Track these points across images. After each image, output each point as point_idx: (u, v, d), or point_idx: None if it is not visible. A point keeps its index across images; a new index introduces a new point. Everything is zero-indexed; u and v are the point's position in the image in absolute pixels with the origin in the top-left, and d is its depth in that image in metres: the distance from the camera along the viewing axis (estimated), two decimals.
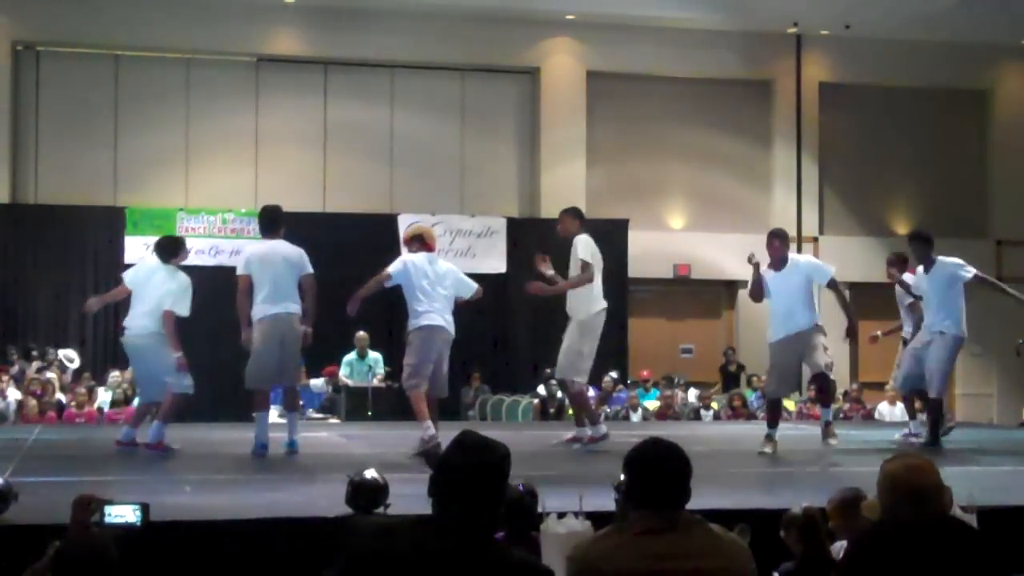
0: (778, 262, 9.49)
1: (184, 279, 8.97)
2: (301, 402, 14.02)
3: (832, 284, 9.67)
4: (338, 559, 3.20)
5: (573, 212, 9.87)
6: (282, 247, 8.98)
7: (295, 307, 8.79)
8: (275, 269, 8.79)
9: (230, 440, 10.23)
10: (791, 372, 10.06)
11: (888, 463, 3.56)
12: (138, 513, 4.05)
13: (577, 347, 9.52)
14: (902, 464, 3.54)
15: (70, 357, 15.58)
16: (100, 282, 16.77)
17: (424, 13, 17.94)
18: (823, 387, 9.78)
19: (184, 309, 8.92)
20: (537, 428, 13.09)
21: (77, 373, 15.44)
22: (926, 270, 9.86)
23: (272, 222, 9.11)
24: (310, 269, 8.87)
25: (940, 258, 9.85)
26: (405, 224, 17.43)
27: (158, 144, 17.56)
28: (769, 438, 9.37)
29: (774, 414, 9.59)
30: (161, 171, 17.61)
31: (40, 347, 15.57)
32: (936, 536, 3.27)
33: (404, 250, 9.56)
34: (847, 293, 19.90)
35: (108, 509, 4.02)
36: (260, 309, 8.79)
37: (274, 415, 14.29)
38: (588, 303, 9.56)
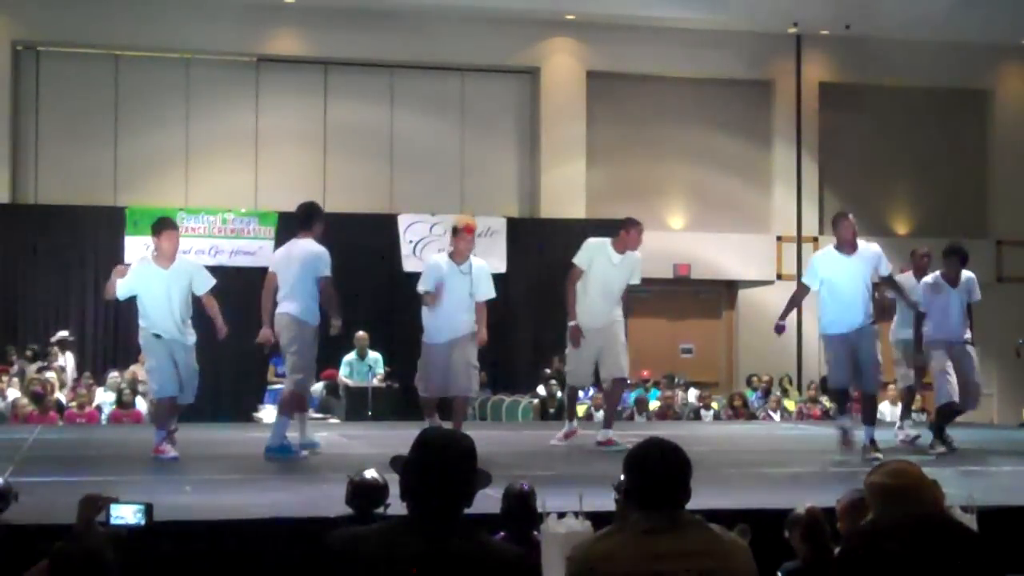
0: (849, 245, 9.02)
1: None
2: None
3: (890, 277, 9.43)
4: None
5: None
6: (300, 246, 8.91)
7: (293, 307, 8.70)
8: (290, 268, 8.78)
9: (230, 440, 10.24)
10: (851, 362, 9.15)
11: (869, 475, 3.68)
12: (141, 514, 4.05)
13: (625, 345, 9.76)
14: (883, 472, 3.66)
15: (63, 336, 15.49)
16: (100, 282, 16.75)
17: (424, 13, 17.94)
18: (873, 405, 9.31)
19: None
20: (537, 428, 13.10)
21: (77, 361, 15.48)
22: (955, 284, 9.73)
23: (302, 219, 9.08)
24: (325, 272, 8.72)
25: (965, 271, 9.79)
26: (405, 224, 17.45)
27: (158, 144, 17.56)
28: (846, 434, 9.05)
29: (843, 404, 9.32)
30: (161, 171, 17.61)
31: (40, 347, 15.58)
32: (928, 534, 3.29)
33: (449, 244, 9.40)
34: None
35: (112, 509, 4.02)
36: (278, 307, 8.84)
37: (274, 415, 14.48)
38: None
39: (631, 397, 15.96)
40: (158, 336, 8.65)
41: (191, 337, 8.83)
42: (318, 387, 15.36)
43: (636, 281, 9.84)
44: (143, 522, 4.04)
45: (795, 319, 19.10)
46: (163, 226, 8.79)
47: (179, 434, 9.00)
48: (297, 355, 8.73)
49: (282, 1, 17.74)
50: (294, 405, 8.91)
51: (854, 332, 8.98)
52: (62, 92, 17.49)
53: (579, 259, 9.69)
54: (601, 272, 9.61)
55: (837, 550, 4.48)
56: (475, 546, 3.13)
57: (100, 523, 3.98)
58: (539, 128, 18.72)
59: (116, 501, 4.07)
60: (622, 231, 9.71)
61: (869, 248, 9.14)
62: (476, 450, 3.27)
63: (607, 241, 9.69)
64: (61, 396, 14.15)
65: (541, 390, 15.87)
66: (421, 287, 9.07)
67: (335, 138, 18.19)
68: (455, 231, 9.22)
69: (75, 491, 4.38)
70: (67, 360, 15.41)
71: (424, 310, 9.09)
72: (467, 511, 3.22)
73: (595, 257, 9.62)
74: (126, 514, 4.03)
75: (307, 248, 8.81)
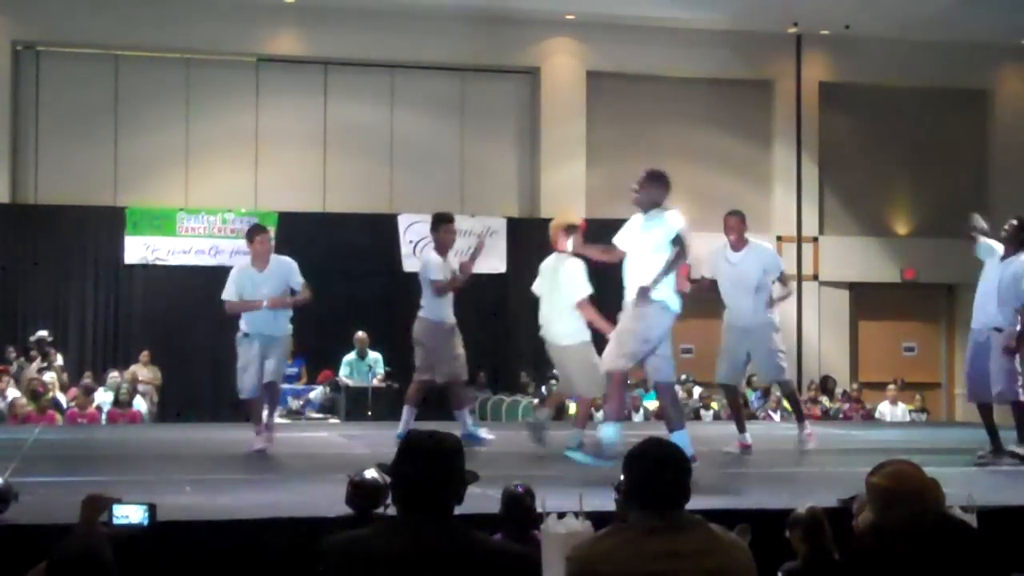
0: (737, 244, 9.61)
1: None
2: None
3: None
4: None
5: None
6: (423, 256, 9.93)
7: (423, 311, 9.55)
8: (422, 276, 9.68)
9: (230, 440, 10.23)
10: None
11: (870, 475, 3.65)
12: (144, 514, 4.04)
13: None
14: (884, 473, 3.64)
15: (41, 336, 15.45)
16: (100, 282, 16.81)
17: (424, 13, 17.94)
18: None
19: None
20: None
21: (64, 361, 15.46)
22: (1006, 256, 8.99)
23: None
24: (432, 275, 9.43)
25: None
26: (405, 224, 17.43)
27: (158, 144, 17.56)
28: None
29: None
30: (161, 171, 17.61)
31: (40, 347, 15.57)
32: (932, 535, 3.29)
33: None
34: (847, 292, 19.86)
35: (115, 509, 4.02)
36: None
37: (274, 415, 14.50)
38: None
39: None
40: (247, 335, 9.19)
41: (284, 329, 9.37)
42: (316, 390, 15.44)
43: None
44: (147, 522, 4.04)
45: (795, 319, 19.14)
46: (256, 232, 9.53)
47: (179, 434, 9.04)
48: (423, 354, 9.55)
49: (282, 1, 17.75)
50: (416, 398, 9.64)
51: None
52: (62, 92, 17.49)
53: None
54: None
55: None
56: (469, 544, 3.13)
57: (103, 523, 3.98)
58: (539, 128, 18.72)
59: (119, 501, 4.06)
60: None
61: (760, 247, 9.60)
62: (463, 449, 3.30)
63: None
64: (61, 396, 14.15)
65: (542, 390, 15.85)
66: (584, 291, 9.41)
67: (335, 138, 18.19)
68: (571, 228, 9.23)
69: (75, 491, 4.38)
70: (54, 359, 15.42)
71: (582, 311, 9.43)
72: (466, 511, 3.22)
73: None
74: (130, 514, 4.03)
75: (424, 257, 9.81)
